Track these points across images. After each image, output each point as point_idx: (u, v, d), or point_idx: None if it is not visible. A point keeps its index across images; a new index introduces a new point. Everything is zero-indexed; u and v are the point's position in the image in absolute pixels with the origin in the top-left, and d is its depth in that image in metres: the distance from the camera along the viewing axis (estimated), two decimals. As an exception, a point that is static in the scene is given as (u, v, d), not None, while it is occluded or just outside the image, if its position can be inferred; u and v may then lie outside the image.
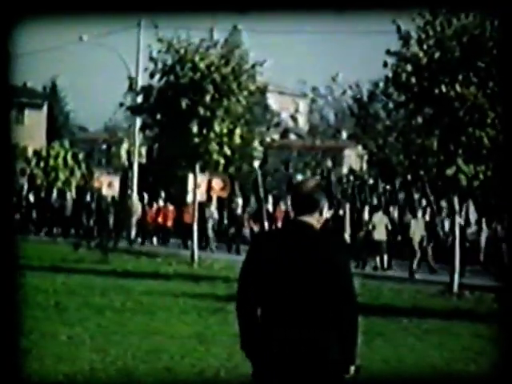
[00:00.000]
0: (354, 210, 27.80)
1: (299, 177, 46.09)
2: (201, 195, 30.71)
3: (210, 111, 22.52)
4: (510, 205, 14.70)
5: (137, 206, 34.01)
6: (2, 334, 6.19)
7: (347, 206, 26.82)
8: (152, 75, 23.19)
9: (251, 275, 4.70)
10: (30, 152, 46.30)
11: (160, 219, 32.40)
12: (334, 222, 24.97)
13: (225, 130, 22.91)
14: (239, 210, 31.42)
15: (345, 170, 54.73)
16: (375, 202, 32.84)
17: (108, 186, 40.96)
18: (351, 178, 43.42)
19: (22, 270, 12.20)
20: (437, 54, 17.30)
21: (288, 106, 77.49)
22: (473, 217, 27.08)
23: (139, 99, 24.07)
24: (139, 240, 32.54)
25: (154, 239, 32.45)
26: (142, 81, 28.46)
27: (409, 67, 17.48)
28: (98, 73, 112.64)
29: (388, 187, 35.56)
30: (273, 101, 65.97)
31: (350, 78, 20.77)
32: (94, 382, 8.75)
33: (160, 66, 23.00)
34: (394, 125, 18.79)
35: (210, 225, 30.23)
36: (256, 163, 29.40)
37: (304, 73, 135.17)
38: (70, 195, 38.70)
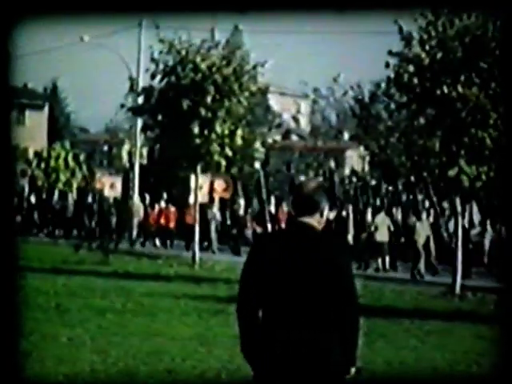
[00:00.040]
0: (357, 212, 27.72)
1: (302, 178, 46.06)
2: (203, 196, 30.67)
3: (211, 112, 22.50)
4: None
5: (138, 208, 33.94)
6: (3, 335, 6.17)
7: (350, 208, 26.74)
8: (153, 76, 23.18)
9: (253, 277, 4.68)
10: (30, 153, 46.33)
11: (162, 220, 32.26)
12: (337, 224, 24.94)
13: (226, 131, 22.87)
14: (241, 211, 31.36)
15: (347, 171, 54.72)
16: (378, 203, 32.72)
17: (110, 187, 40.99)
18: (353, 179, 43.40)
19: (23, 272, 12.19)
20: (439, 55, 17.27)
21: (289, 107, 77.61)
22: (476, 218, 26.97)
23: (140, 100, 24.06)
24: (140, 241, 32.48)
25: (157, 241, 32.37)
26: (143, 82, 28.49)
27: (411, 68, 17.45)
28: (99, 73, 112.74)
29: (390, 188, 35.47)
30: (274, 102, 66.06)
31: (351, 79, 20.69)
32: (94, 383, 8.73)
33: (161, 66, 22.99)
34: (395, 126, 18.75)
35: (213, 227, 29.94)
36: (257, 164, 29.34)
37: (305, 73, 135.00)
38: (72, 196, 38.70)
